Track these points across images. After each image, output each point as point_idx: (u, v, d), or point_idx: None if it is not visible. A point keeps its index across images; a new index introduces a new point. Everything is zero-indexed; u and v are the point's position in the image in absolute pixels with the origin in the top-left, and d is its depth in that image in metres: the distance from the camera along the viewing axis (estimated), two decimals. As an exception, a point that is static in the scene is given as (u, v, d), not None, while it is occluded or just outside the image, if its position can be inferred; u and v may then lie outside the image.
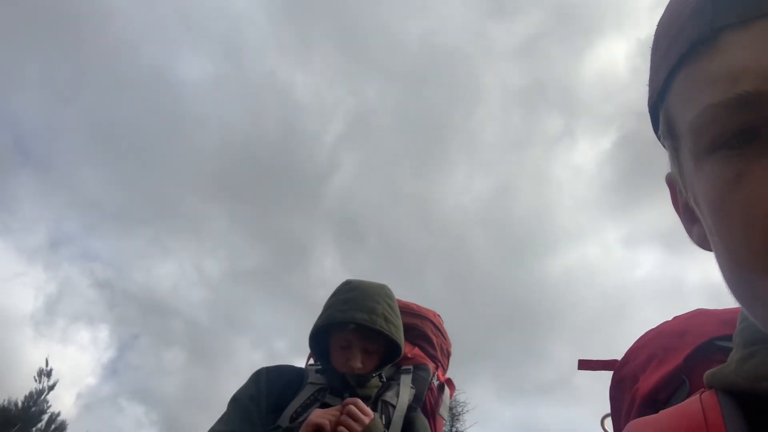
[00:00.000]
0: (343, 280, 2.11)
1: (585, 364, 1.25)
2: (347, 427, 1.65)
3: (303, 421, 1.77)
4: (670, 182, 0.55)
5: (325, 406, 1.84)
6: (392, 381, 2.06)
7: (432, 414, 2.12)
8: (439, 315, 2.40)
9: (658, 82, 0.49)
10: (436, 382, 2.17)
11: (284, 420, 1.82)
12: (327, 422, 1.65)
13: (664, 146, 0.54)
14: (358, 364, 1.89)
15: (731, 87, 0.40)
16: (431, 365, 2.20)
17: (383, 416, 1.91)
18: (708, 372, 0.51)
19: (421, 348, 2.25)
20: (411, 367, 2.13)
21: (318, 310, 2.10)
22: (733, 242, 0.41)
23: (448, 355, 2.36)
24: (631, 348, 1.15)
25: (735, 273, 0.43)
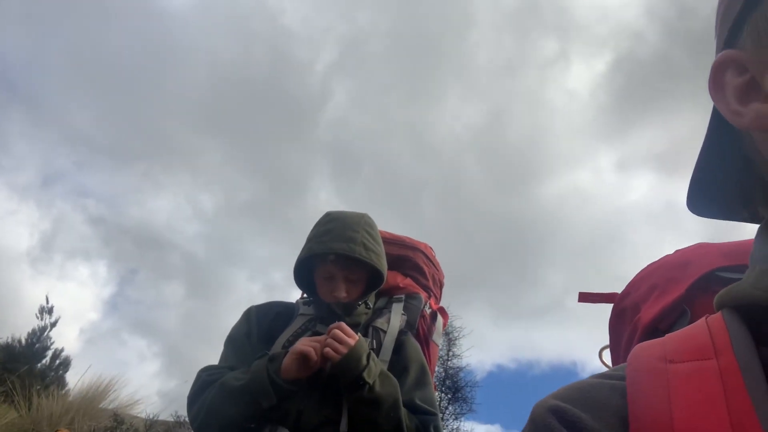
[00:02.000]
0: (338, 207, 2.12)
1: (585, 297, 1.24)
2: (333, 349, 1.68)
3: None
4: (723, 62, 0.51)
5: (315, 335, 1.87)
6: (384, 309, 2.08)
7: (425, 340, 2.16)
8: (430, 247, 2.42)
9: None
10: (428, 310, 2.21)
11: (277, 348, 1.86)
12: (311, 349, 1.68)
13: (731, 12, 0.51)
14: (342, 293, 1.92)
15: None
16: (423, 294, 2.23)
17: (374, 341, 1.95)
18: (721, 291, 0.50)
19: (413, 278, 2.28)
20: (403, 296, 2.17)
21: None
22: None
23: (440, 285, 2.39)
24: (632, 280, 1.14)
25: None
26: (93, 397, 7.60)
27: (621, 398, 0.45)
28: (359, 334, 1.85)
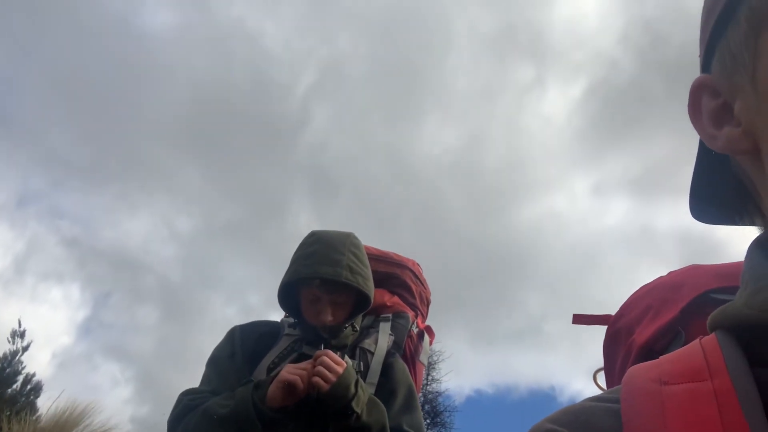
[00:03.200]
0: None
1: (579, 319, 1.24)
2: (322, 377, 1.64)
3: (280, 371, 1.76)
4: (699, 86, 0.53)
5: (302, 356, 1.84)
6: (371, 329, 2.05)
7: (412, 360, 2.13)
8: (418, 264, 2.40)
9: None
10: (415, 330, 2.18)
11: (261, 370, 1.82)
12: (298, 378, 1.64)
13: (710, 38, 0.52)
14: (328, 317, 1.87)
15: None
16: (410, 313, 2.20)
17: (361, 363, 1.91)
18: (713, 312, 0.50)
19: (400, 296, 2.25)
20: (390, 315, 2.13)
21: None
22: None
23: (427, 303, 2.36)
24: (626, 302, 1.15)
25: None
26: (66, 423, 7.43)
27: (616, 421, 0.45)
28: (347, 357, 1.83)
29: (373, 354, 1.96)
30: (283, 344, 1.92)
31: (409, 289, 2.27)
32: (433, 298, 2.40)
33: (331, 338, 1.88)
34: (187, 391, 1.83)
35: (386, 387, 1.88)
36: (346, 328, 1.93)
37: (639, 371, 0.48)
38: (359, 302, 1.95)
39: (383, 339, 2.01)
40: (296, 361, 1.83)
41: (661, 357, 0.50)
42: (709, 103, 0.51)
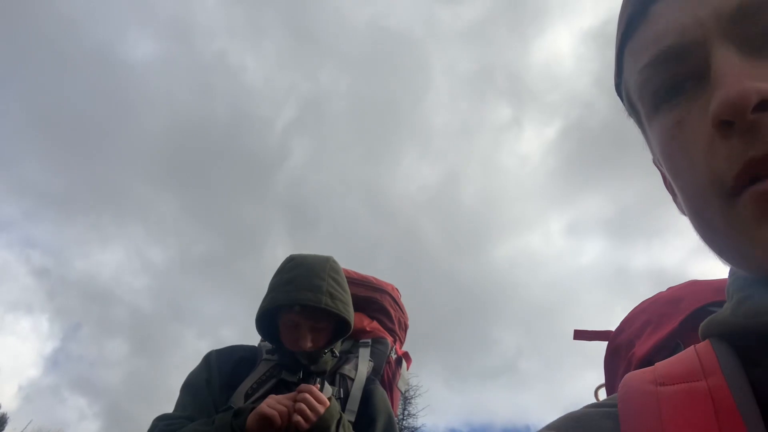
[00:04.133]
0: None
1: (580, 335, 1.26)
2: (303, 416, 1.60)
3: (258, 397, 1.75)
4: (657, 164, 0.58)
5: (281, 382, 1.83)
6: (351, 354, 2.04)
7: (389, 387, 2.13)
8: (397, 289, 2.39)
9: (615, 63, 0.55)
10: (393, 356, 2.18)
11: (239, 397, 1.79)
12: (276, 414, 1.60)
13: (638, 126, 0.58)
14: (308, 344, 1.85)
15: (657, 46, 0.46)
16: (389, 339, 2.20)
17: (341, 389, 1.90)
18: (703, 322, 0.52)
19: (380, 321, 2.24)
20: (369, 340, 2.12)
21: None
22: (684, 183, 0.46)
23: (405, 328, 2.36)
24: (626, 317, 1.17)
25: (693, 213, 0.47)
26: None
27: (613, 422, 0.46)
28: (327, 384, 1.82)
29: (353, 380, 1.94)
30: (261, 370, 1.89)
31: (388, 314, 2.27)
32: (409, 334, 2.40)
33: (310, 364, 1.86)
34: (161, 416, 1.79)
35: (366, 415, 1.87)
36: (325, 353, 1.91)
37: (635, 375, 0.50)
38: (338, 327, 1.94)
39: (363, 365, 2.00)
40: (275, 387, 1.82)
41: (656, 363, 0.51)
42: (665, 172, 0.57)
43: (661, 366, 0.50)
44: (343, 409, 1.83)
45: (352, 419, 1.84)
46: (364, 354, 2.05)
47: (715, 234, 0.45)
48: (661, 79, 0.46)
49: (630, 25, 0.50)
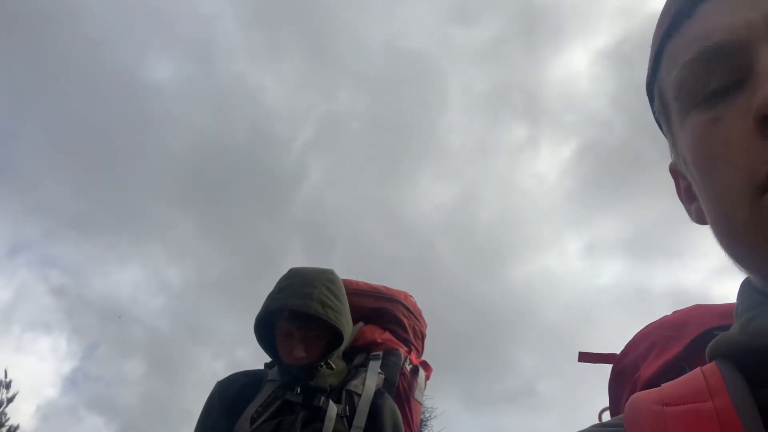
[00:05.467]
0: None
1: (585, 357, 1.26)
2: None
3: (264, 420, 1.76)
4: (673, 171, 0.59)
5: (286, 403, 1.81)
6: (360, 368, 2.00)
7: (406, 399, 2.07)
8: (411, 295, 2.34)
9: (651, 61, 0.55)
10: (408, 367, 2.12)
11: (245, 421, 1.78)
12: None
13: (661, 129, 0.59)
14: (299, 353, 1.83)
15: (704, 43, 0.46)
16: (402, 349, 2.14)
17: (347, 406, 1.86)
18: (711, 343, 0.52)
19: (392, 332, 2.18)
20: (381, 353, 2.07)
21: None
22: (714, 181, 0.46)
23: (422, 337, 2.30)
24: (631, 340, 1.17)
25: (719, 212, 0.46)
26: None
27: None
28: (331, 402, 1.81)
29: (359, 396, 1.90)
30: (266, 392, 1.86)
31: (401, 324, 2.21)
32: (425, 356, 2.31)
33: (307, 378, 1.84)
34: None
35: (374, 429, 1.85)
36: (321, 366, 1.88)
37: (641, 396, 0.50)
38: (334, 339, 1.91)
39: (371, 379, 1.95)
40: (279, 409, 1.81)
41: (662, 384, 0.51)
42: (682, 183, 0.57)
43: (668, 387, 0.50)
44: (350, 425, 1.82)
45: None
46: (373, 367, 2.01)
47: (738, 235, 0.45)
48: (703, 75, 0.46)
49: (675, 21, 0.50)
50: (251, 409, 1.81)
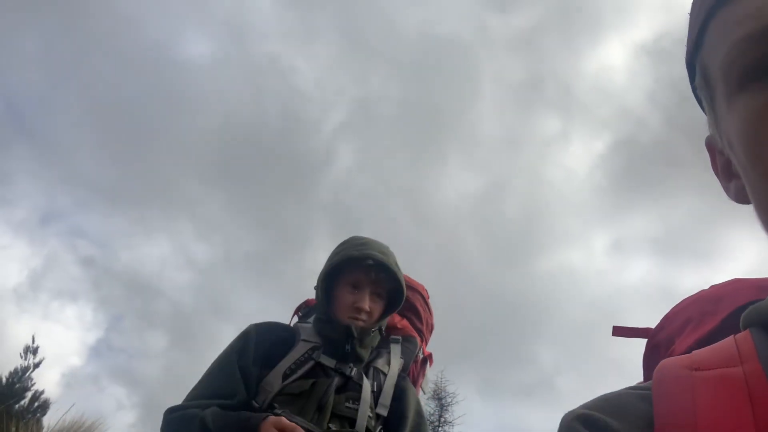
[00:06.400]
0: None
1: (619, 331, 1.23)
2: None
3: (296, 378, 1.75)
4: (709, 145, 0.56)
5: (318, 366, 1.81)
6: (382, 349, 2.03)
7: (414, 386, 2.10)
8: (426, 290, 2.40)
9: (693, 34, 0.52)
10: (420, 356, 2.17)
11: (276, 376, 1.77)
12: None
13: (700, 104, 0.56)
14: (366, 305, 1.87)
15: (758, 21, 0.42)
16: (418, 338, 2.18)
17: (375, 383, 1.88)
18: (746, 311, 0.51)
19: (409, 320, 2.23)
20: (400, 337, 2.11)
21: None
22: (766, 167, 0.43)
23: (431, 330, 2.35)
24: (666, 315, 1.15)
25: None
26: None
27: (647, 404, 0.46)
28: (364, 378, 1.83)
29: (385, 375, 1.93)
30: (299, 350, 1.85)
31: (417, 314, 2.26)
32: (446, 344, 2.38)
33: (358, 344, 1.85)
34: (172, 408, 1.75)
35: (398, 411, 1.88)
36: (372, 332, 1.92)
37: (671, 361, 0.50)
38: (387, 307, 1.97)
39: (395, 361, 2.00)
40: (312, 370, 1.80)
41: (694, 351, 0.51)
42: (719, 159, 0.55)
43: (698, 353, 0.50)
44: (376, 403, 1.84)
45: (385, 414, 1.85)
46: (395, 350, 2.04)
47: None
48: (758, 55, 0.43)
49: None
50: (284, 365, 1.79)
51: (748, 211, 0.50)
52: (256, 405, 1.72)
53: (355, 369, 1.85)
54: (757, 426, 0.38)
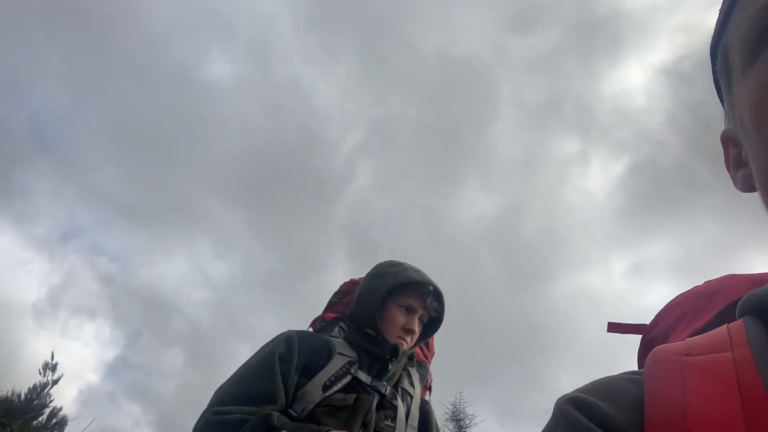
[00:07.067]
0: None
1: (614, 327, 1.23)
2: None
3: (336, 392, 1.73)
4: (723, 139, 0.57)
5: (355, 381, 1.81)
6: (403, 372, 2.03)
7: None
8: None
9: (720, 19, 0.52)
10: (429, 382, 2.20)
11: (317, 386, 1.73)
12: None
13: (719, 93, 0.57)
14: (417, 327, 1.97)
15: None
16: (428, 364, 2.22)
17: (404, 403, 1.90)
18: (741, 299, 0.52)
19: (420, 348, 2.24)
20: (415, 362, 2.12)
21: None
22: None
23: (433, 355, 2.38)
24: (661, 310, 1.15)
25: None
26: None
27: (638, 388, 0.47)
28: (399, 400, 1.88)
29: (412, 397, 1.96)
30: (338, 363, 1.82)
31: (427, 343, 2.27)
32: (462, 366, 2.43)
33: (397, 360, 1.90)
34: (217, 410, 1.65)
35: None
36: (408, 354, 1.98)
37: (663, 347, 0.51)
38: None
39: (417, 384, 2.02)
40: (350, 384, 1.79)
41: (687, 339, 0.52)
42: (732, 151, 0.56)
43: (691, 340, 0.51)
44: (406, 423, 1.88)
45: None
46: (414, 373, 2.07)
47: None
48: None
49: None
50: (323, 376, 1.77)
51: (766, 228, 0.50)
52: (294, 414, 1.69)
53: (389, 388, 1.88)
54: (744, 409, 0.39)
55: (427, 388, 2.15)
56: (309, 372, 1.76)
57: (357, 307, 1.99)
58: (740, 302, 0.52)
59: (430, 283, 1.96)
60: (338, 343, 1.90)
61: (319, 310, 2.18)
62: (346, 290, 2.24)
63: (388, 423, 1.82)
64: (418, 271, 2.02)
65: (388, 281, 1.95)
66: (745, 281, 1.00)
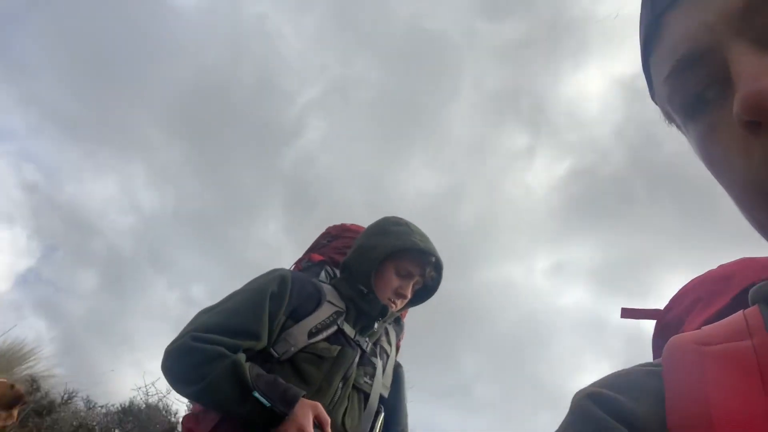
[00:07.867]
0: (283, 244, 2.22)
1: (628, 312, 1.20)
2: None
3: (320, 340, 1.71)
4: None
5: (340, 332, 1.78)
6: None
7: None
8: None
9: (645, 75, 0.54)
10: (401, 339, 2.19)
11: (302, 331, 1.71)
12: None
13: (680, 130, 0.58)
14: (410, 293, 1.91)
15: (672, 56, 0.45)
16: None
17: (381, 362, 1.89)
18: (755, 287, 0.52)
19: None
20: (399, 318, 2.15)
21: (251, 270, 2.11)
22: (728, 186, 0.45)
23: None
24: (674, 296, 1.14)
25: (743, 211, 0.45)
26: (11, 358, 7.73)
27: (657, 380, 0.46)
28: (378, 358, 1.87)
29: (388, 357, 1.95)
30: (326, 311, 1.79)
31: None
32: None
33: (383, 320, 1.87)
34: (197, 336, 1.60)
35: (395, 395, 1.93)
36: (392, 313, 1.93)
37: (680, 337, 0.51)
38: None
39: (393, 342, 2.02)
40: (334, 335, 1.76)
41: (703, 327, 0.51)
42: None
43: (707, 328, 0.50)
44: (380, 384, 1.86)
45: (386, 395, 1.88)
46: (392, 331, 2.05)
47: (766, 234, 0.44)
48: (686, 88, 0.45)
49: (648, 37, 0.49)
50: (310, 322, 1.73)
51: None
52: (276, 355, 1.67)
53: (370, 345, 1.86)
54: None
55: (397, 347, 2.10)
56: (296, 316, 1.73)
57: (353, 260, 1.93)
58: (753, 290, 0.52)
59: (433, 253, 1.90)
60: (327, 289, 1.86)
61: (244, 256, 2.08)
62: (336, 234, 2.20)
63: (366, 380, 1.79)
64: (423, 237, 1.93)
65: (390, 242, 1.88)
66: (758, 265, 1.00)
